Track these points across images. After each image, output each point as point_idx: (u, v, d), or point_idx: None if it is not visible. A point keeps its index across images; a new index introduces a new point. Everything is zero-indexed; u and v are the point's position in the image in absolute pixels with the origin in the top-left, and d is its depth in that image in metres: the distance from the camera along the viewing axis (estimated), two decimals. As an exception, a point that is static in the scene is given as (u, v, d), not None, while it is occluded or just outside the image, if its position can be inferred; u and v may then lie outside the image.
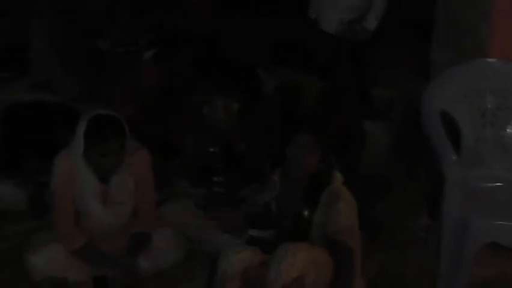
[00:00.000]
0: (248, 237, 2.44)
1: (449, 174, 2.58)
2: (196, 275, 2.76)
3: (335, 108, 2.84)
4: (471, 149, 2.79)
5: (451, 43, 3.17)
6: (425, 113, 2.78)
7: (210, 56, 3.58)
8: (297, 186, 2.38)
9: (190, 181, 3.27)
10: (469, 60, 2.89)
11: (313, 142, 2.31)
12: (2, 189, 3.29)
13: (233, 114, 3.20)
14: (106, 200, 2.68)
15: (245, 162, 3.15)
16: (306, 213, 2.34)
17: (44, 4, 4.08)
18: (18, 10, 4.27)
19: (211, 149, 3.23)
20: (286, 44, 2.99)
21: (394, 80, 4.05)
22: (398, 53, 4.25)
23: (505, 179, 2.78)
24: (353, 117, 2.94)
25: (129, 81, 3.69)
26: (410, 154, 3.34)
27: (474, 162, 2.79)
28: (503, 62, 2.84)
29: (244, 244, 2.39)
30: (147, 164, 2.73)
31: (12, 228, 3.12)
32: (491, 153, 2.83)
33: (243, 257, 2.28)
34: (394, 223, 3.08)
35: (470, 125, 2.80)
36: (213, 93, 3.21)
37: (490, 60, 2.89)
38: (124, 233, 2.73)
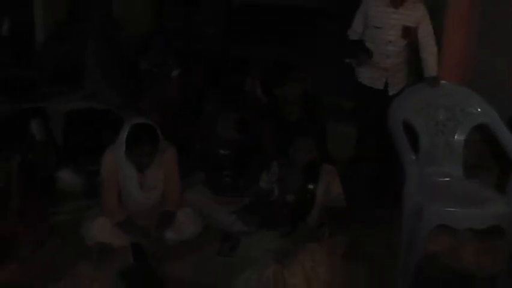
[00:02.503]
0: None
1: (408, 170, 2.82)
2: (210, 244, 3.06)
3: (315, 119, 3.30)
4: (426, 151, 3.06)
5: (412, 68, 3.45)
6: (390, 122, 3.04)
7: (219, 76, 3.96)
8: (297, 170, 2.80)
9: (206, 173, 3.60)
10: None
11: (309, 144, 2.73)
12: (63, 175, 3.57)
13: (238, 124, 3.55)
14: (142, 185, 3.02)
15: (249, 160, 3.50)
16: (311, 186, 2.75)
17: (94, 32, 4.37)
18: (73, 37, 4.53)
19: (222, 152, 3.58)
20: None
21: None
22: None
23: (452, 175, 3.03)
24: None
25: (158, 94, 4.01)
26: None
27: (429, 161, 3.04)
28: (451, 84, 3.15)
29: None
30: (174, 159, 3.06)
31: (70, 204, 3.42)
32: (442, 154, 3.07)
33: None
34: (366, 209, 3.30)
35: (425, 132, 3.07)
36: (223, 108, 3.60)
37: (442, 82, 3.16)
38: (155, 211, 3.06)
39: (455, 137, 3.07)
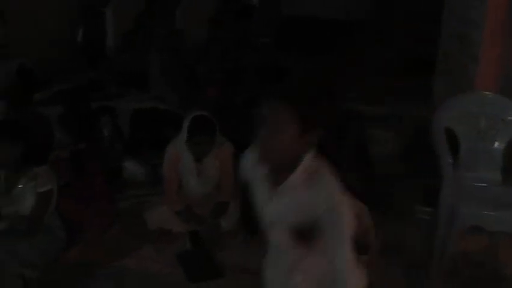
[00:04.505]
0: None
1: (445, 173, 2.89)
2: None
3: None
4: (467, 157, 3.04)
5: (448, 79, 3.47)
6: (433, 129, 3.00)
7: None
8: None
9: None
10: (461, 91, 3.16)
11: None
12: (128, 165, 3.76)
13: None
14: (199, 174, 3.18)
15: None
16: None
17: (158, 43, 4.56)
18: (139, 47, 4.74)
19: None
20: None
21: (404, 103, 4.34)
22: (408, 84, 4.58)
23: (490, 180, 2.98)
24: None
25: (208, 95, 4.22)
26: (414, 157, 3.55)
27: (468, 167, 3.02)
28: (493, 95, 3.10)
29: None
30: (229, 152, 3.16)
31: (134, 192, 3.61)
32: (481, 161, 3.03)
33: None
34: (403, 209, 3.38)
35: (466, 139, 3.05)
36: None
37: (485, 92, 3.13)
38: (210, 201, 3.22)
39: (495, 145, 3.04)
